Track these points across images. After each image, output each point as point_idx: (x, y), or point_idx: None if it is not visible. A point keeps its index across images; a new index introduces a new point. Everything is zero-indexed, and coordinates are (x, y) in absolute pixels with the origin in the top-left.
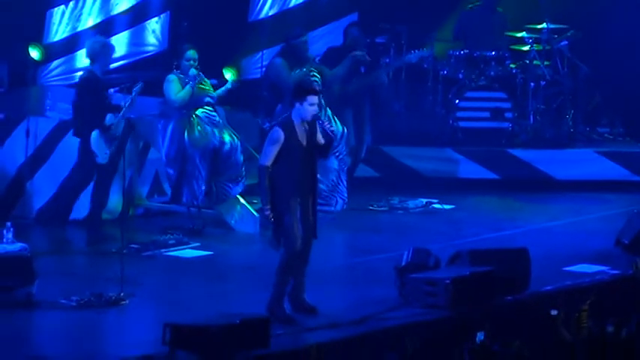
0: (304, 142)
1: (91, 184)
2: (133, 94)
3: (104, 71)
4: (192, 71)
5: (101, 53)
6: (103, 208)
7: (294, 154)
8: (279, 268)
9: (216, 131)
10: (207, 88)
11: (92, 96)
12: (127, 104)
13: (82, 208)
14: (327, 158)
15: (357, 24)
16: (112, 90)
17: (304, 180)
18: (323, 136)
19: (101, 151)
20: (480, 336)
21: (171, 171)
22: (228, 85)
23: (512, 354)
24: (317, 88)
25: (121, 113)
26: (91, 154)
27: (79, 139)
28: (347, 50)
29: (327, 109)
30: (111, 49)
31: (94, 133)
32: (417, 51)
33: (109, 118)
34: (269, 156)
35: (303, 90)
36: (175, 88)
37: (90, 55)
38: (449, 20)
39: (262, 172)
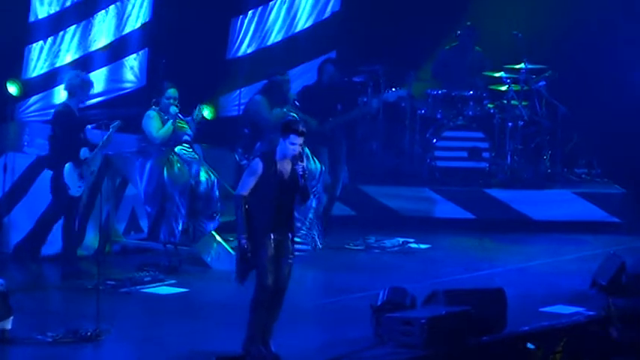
0: (283, 179)
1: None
2: (111, 130)
3: (80, 106)
4: (173, 109)
5: (79, 88)
6: (79, 244)
7: (270, 189)
8: (252, 305)
9: (194, 169)
10: (184, 125)
11: (66, 129)
12: (103, 139)
13: (57, 242)
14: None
15: (332, 60)
16: (89, 126)
17: (279, 218)
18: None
19: (74, 184)
20: None
21: (149, 209)
22: (196, 121)
23: None
24: (302, 129)
25: (97, 148)
26: (63, 187)
27: (51, 172)
28: (324, 86)
29: (305, 147)
30: (90, 84)
31: (67, 166)
32: (394, 90)
33: (83, 152)
34: (246, 186)
35: (287, 128)
36: (156, 125)
37: (68, 89)
38: (427, 60)
39: (239, 201)
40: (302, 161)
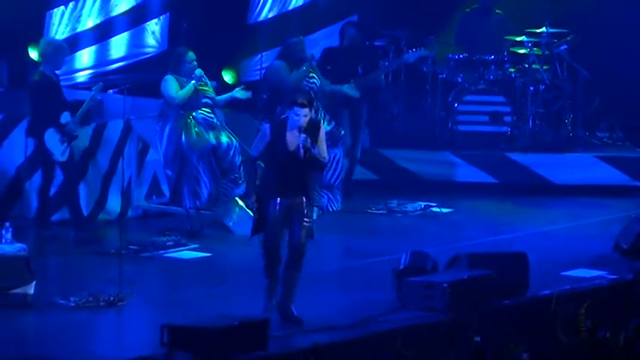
0: (291, 148)
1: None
2: (92, 92)
3: (55, 71)
4: (199, 71)
5: (52, 54)
6: (101, 208)
7: (276, 156)
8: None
9: (214, 133)
10: (207, 89)
11: (44, 96)
12: (86, 102)
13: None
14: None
15: (354, 23)
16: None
17: (287, 183)
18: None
19: (57, 150)
20: (477, 339)
21: (169, 172)
22: (236, 94)
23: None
24: (305, 100)
25: (79, 112)
26: (47, 153)
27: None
28: (345, 49)
29: (322, 110)
30: (63, 50)
31: (47, 132)
32: (415, 50)
33: (64, 116)
34: (256, 149)
35: (291, 99)
36: (175, 87)
37: (42, 56)
38: (448, 24)
39: (249, 162)
40: (304, 132)
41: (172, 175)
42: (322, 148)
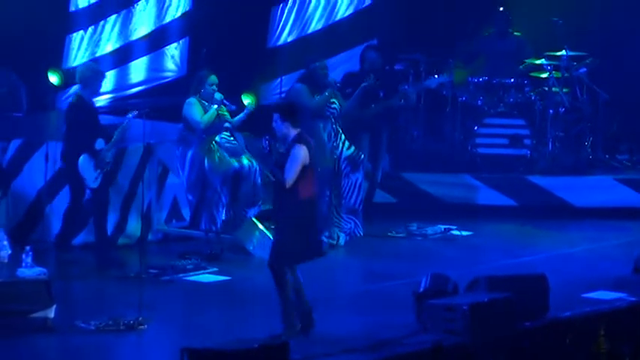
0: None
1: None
2: (126, 120)
3: (93, 96)
4: (219, 95)
5: (92, 78)
6: (120, 234)
7: None
8: None
9: (235, 157)
10: (225, 113)
11: (80, 121)
12: (119, 130)
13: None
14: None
15: (375, 47)
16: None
17: None
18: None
19: (90, 176)
20: None
21: (191, 197)
22: (247, 111)
23: None
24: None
25: (113, 139)
26: (80, 179)
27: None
28: (365, 74)
29: (342, 134)
30: (101, 75)
31: (82, 158)
32: (436, 77)
33: (98, 142)
34: None
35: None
36: (199, 111)
37: (80, 80)
38: (466, 47)
39: None
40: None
41: (193, 200)
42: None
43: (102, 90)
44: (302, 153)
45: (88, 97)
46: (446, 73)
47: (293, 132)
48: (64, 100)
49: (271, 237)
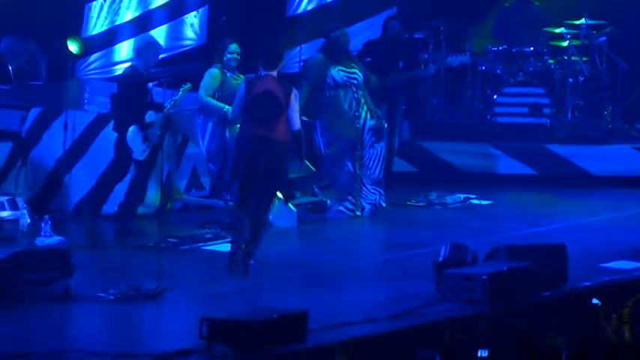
0: None
1: (127, 179)
2: (180, 93)
3: (148, 69)
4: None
5: (145, 51)
6: (140, 203)
7: None
8: None
9: None
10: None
11: (133, 92)
12: (172, 103)
13: (117, 201)
14: None
15: (397, 17)
16: (150, 84)
17: None
18: None
19: (137, 148)
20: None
21: (212, 166)
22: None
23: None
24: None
25: (163, 112)
26: (127, 150)
27: (116, 134)
28: (387, 43)
29: (364, 104)
30: (156, 47)
31: (132, 129)
32: (458, 55)
33: (149, 115)
34: None
35: None
36: (210, 85)
37: (135, 51)
38: (487, 16)
39: None
40: None
41: (215, 169)
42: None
43: (121, 58)
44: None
45: (142, 69)
46: (467, 43)
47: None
48: (83, 69)
49: (291, 206)
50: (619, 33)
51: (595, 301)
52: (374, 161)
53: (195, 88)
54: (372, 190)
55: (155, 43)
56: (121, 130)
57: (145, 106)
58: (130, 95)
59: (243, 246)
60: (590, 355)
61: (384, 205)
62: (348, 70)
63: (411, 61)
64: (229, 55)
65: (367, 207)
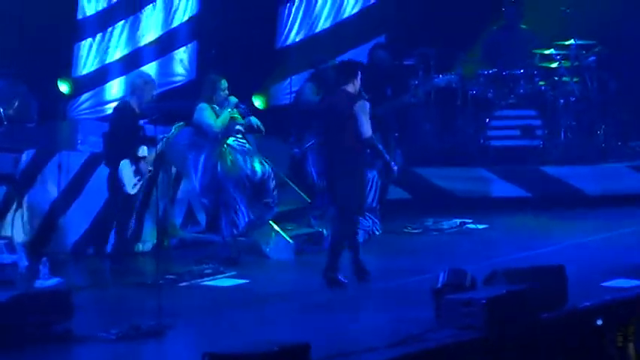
0: None
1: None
2: (173, 130)
3: (141, 105)
4: (233, 99)
5: (141, 88)
6: (137, 239)
7: None
8: None
9: (247, 159)
10: (236, 116)
11: (124, 126)
12: (164, 141)
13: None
14: None
15: (383, 45)
16: (141, 121)
17: None
18: None
19: (129, 182)
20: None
21: (205, 201)
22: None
23: None
24: None
25: (156, 148)
26: (119, 185)
27: (108, 169)
28: (374, 71)
29: None
30: (151, 84)
31: (123, 163)
32: (444, 75)
33: (141, 149)
34: None
35: None
36: (211, 115)
37: (130, 87)
38: (476, 40)
39: None
40: None
41: (208, 204)
42: None
43: (112, 97)
44: None
45: (135, 105)
46: (455, 68)
47: None
48: (75, 109)
49: (287, 238)
50: (608, 52)
51: (599, 322)
52: (367, 189)
53: (188, 124)
54: (366, 218)
55: (152, 81)
56: (113, 164)
57: (136, 141)
58: (121, 129)
59: None
60: None
61: (378, 232)
62: None
63: (400, 88)
64: (222, 93)
65: (361, 233)
